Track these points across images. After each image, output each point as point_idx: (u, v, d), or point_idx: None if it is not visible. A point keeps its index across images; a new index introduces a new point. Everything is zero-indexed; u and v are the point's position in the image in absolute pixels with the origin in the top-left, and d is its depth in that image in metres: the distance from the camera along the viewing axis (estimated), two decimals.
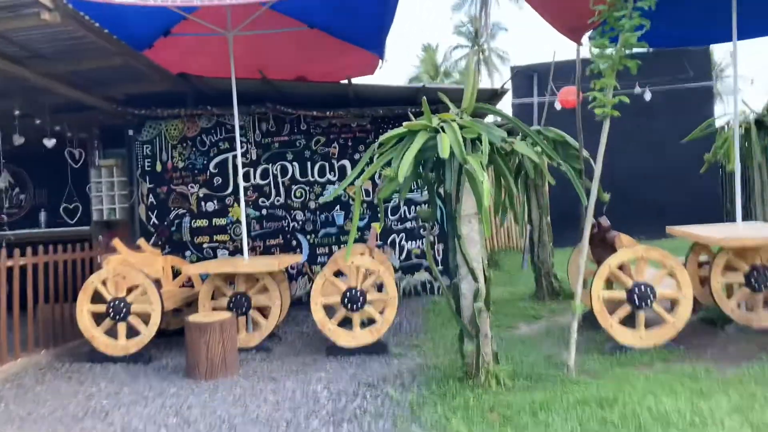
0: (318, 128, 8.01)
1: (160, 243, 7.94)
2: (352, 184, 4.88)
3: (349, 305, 5.39)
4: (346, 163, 8.00)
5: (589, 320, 5.46)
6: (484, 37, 44.47)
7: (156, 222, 7.98)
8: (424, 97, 4.54)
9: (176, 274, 6.98)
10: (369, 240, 5.87)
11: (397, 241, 8.00)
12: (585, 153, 6.21)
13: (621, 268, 5.03)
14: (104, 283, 5.54)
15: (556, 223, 8.14)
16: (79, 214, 8.11)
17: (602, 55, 4.69)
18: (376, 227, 7.82)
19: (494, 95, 7.39)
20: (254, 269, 5.60)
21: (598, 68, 4.74)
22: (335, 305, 5.51)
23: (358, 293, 5.40)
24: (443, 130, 4.38)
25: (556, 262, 7.65)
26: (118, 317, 5.48)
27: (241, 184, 6.36)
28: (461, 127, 4.41)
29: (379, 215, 7.74)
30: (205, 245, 7.96)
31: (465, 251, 4.45)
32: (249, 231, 7.95)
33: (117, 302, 5.49)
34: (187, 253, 7.94)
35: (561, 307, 6.94)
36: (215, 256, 7.94)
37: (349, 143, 8.02)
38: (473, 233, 4.48)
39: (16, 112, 5.94)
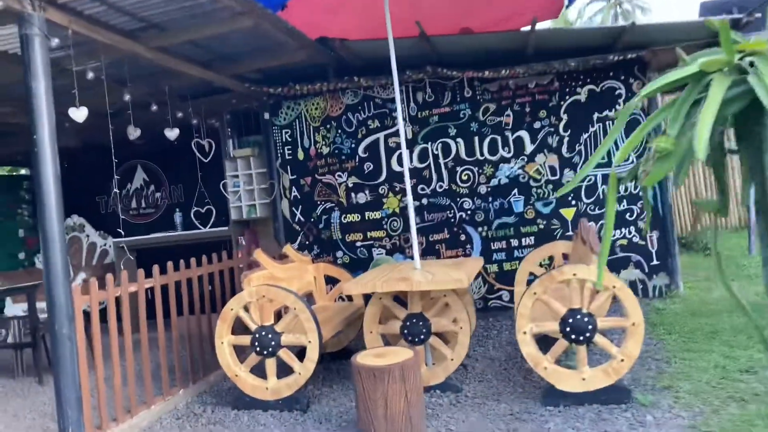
0: (486, 93, 6.44)
1: (307, 243, 6.79)
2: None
3: (573, 335, 3.83)
4: (524, 134, 6.38)
5: None
6: None
7: (301, 219, 6.83)
8: (722, 21, 2.83)
9: (330, 281, 5.79)
10: (590, 240, 4.21)
11: (595, 229, 6.27)
12: None
13: None
14: (246, 308, 4.37)
15: None
16: (213, 218, 7.12)
17: None
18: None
19: (735, 26, 5.43)
20: (436, 287, 4.17)
21: None
22: (551, 333, 3.99)
23: (586, 318, 3.82)
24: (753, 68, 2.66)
25: None
26: (265, 352, 4.29)
27: (407, 167, 4.92)
28: None
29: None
30: (358, 243, 6.70)
31: None
32: (408, 225, 6.58)
33: (263, 333, 4.30)
34: (339, 253, 6.73)
35: None
36: (370, 257, 6.66)
37: (527, 109, 6.38)
38: None
39: (126, 97, 4.89)
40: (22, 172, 10.42)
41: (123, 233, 6.72)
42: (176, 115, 5.74)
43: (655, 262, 6.15)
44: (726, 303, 5.74)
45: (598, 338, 3.84)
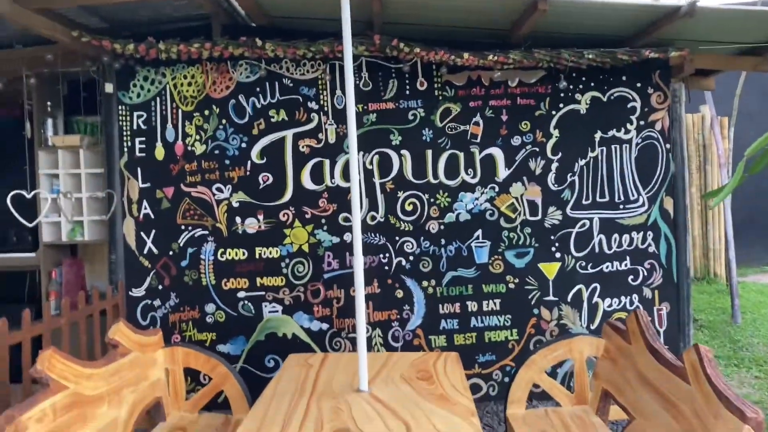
0: (448, 89, 4.42)
1: (160, 288, 4.42)
2: None
3: None
4: (497, 153, 4.43)
5: None
6: None
7: (154, 250, 4.44)
8: None
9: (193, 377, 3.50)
10: (710, 371, 2.22)
11: (585, 295, 4.47)
12: None
13: None
14: None
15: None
16: (13, 236, 4.56)
17: None
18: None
19: None
20: None
21: None
22: None
23: None
24: None
25: None
26: None
27: (356, 180, 2.74)
28: None
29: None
30: (241, 294, 4.43)
31: None
32: (320, 270, 4.43)
33: None
34: (209, 307, 4.43)
35: None
36: (259, 316, 4.42)
37: (504, 117, 4.43)
38: None
39: None
40: None
41: None
42: None
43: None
44: None
45: None
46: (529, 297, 4.43)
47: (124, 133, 4.43)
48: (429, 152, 4.41)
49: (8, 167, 4.63)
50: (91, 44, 4.00)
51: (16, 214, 3.51)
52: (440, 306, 4.44)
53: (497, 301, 4.43)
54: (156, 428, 3.08)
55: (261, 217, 4.42)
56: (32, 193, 4.05)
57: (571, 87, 4.39)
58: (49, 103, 4.59)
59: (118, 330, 2.86)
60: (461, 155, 4.42)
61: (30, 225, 3.75)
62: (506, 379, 4.37)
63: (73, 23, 4.04)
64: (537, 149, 4.42)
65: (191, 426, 3.08)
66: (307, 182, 4.41)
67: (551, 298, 4.43)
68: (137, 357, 2.92)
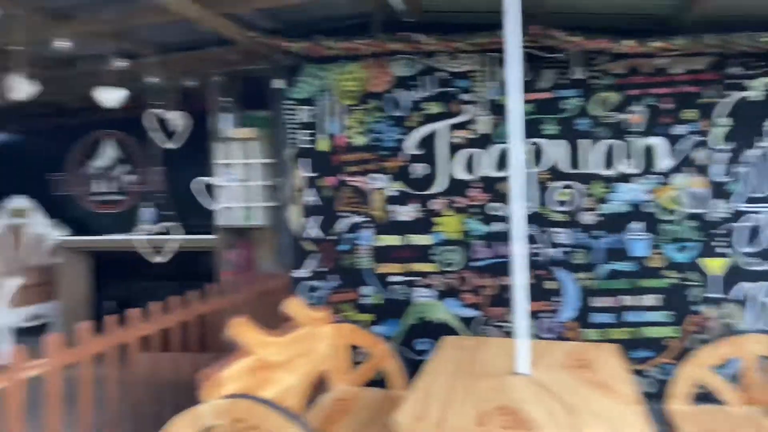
0: (606, 77, 4.33)
1: (322, 271, 4.74)
2: None
3: None
4: (658, 142, 4.28)
5: None
6: None
7: (316, 234, 4.78)
8: None
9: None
10: None
11: (753, 293, 4.20)
12: None
13: None
14: None
15: None
16: (193, 220, 5.11)
17: None
18: None
19: None
20: None
21: None
22: None
23: None
24: None
25: None
26: None
27: (517, 160, 2.83)
28: None
29: None
30: (393, 278, 4.65)
31: None
32: (470, 258, 4.53)
33: None
34: (366, 290, 4.69)
35: None
36: (411, 300, 4.62)
37: (666, 106, 4.27)
38: None
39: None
40: None
41: (73, 228, 4.72)
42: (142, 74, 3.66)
43: None
44: None
45: None
46: (691, 293, 4.25)
47: (291, 126, 4.79)
48: (585, 142, 4.36)
49: (194, 157, 5.18)
50: (266, 44, 4.37)
51: (202, 199, 3.93)
52: (594, 299, 4.38)
53: (656, 296, 4.29)
54: (321, 398, 3.35)
55: (414, 206, 4.60)
56: (213, 181, 4.51)
57: (742, 73, 4.13)
58: (228, 98, 5.06)
59: (293, 305, 3.15)
60: (619, 145, 4.32)
61: (219, 207, 4.18)
62: (663, 377, 4.23)
63: (248, 25, 4.43)
64: (702, 139, 4.22)
65: (354, 399, 3.32)
66: (459, 172, 4.52)
67: (715, 295, 4.22)
68: (309, 331, 3.20)
